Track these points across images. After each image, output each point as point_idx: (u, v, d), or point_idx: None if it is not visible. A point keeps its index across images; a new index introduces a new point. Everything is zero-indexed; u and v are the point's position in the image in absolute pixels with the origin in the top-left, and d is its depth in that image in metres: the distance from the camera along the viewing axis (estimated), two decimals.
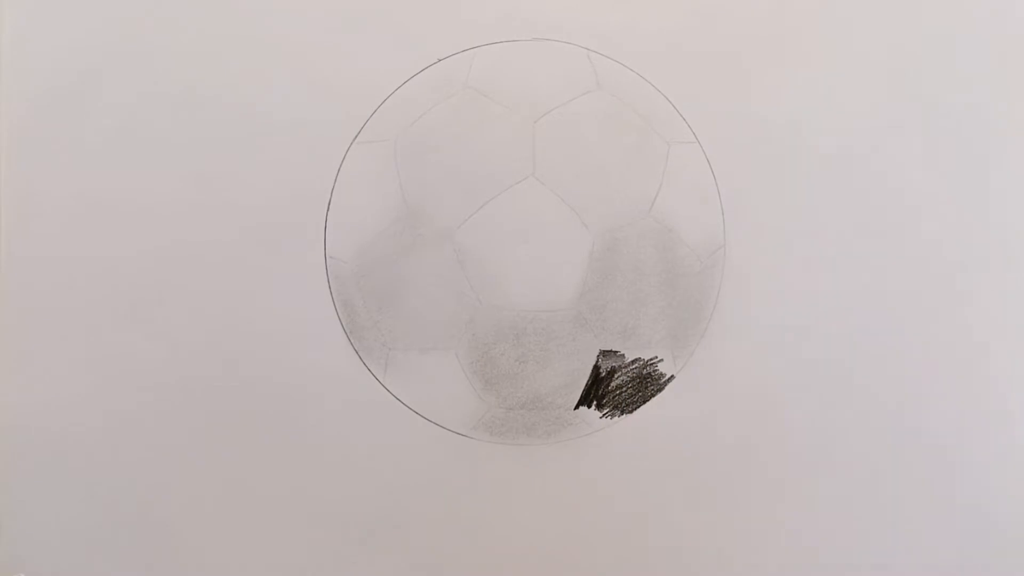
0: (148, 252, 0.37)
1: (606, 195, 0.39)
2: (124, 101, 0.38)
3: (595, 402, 0.38)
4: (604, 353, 0.39)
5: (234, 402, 0.37)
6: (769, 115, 0.41)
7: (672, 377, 0.39)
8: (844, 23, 0.42)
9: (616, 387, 0.39)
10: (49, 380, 0.37)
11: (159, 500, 0.37)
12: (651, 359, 0.39)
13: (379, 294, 0.38)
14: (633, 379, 0.39)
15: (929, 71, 0.42)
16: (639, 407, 0.39)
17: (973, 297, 0.42)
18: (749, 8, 0.41)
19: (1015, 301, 0.42)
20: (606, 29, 0.40)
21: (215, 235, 0.38)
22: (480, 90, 0.39)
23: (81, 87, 0.38)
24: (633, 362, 0.39)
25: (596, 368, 0.38)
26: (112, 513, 0.37)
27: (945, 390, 0.41)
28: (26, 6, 0.38)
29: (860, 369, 0.41)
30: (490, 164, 0.39)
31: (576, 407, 0.38)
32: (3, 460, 0.36)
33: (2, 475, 0.36)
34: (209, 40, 0.38)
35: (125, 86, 0.38)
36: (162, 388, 0.37)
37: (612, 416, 0.39)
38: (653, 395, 0.39)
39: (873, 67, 0.42)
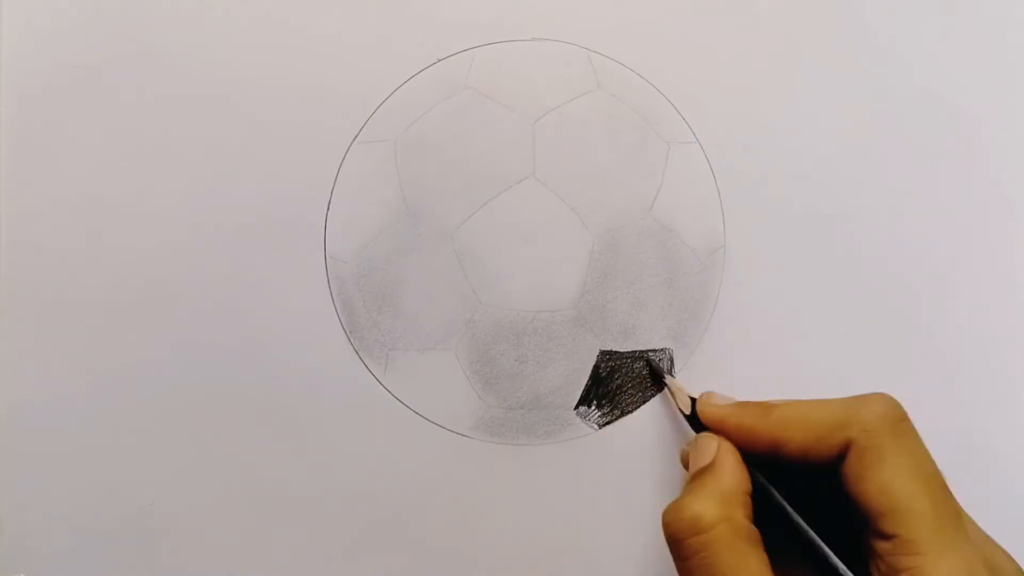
0: (147, 251, 0.37)
1: (606, 195, 0.39)
2: (123, 101, 0.38)
3: (595, 402, 0.38)
4: (604, 353, 0.39)
5: (234, 401, 0.37)
6: (769, 115, 0.41)
7: (672, 377, 0.39)
8: (847, 23, 0.42)
9: (616, 387, 0.39)
10: (49, 380, 0.37)
11: (159, 500, 0.37)
12: (655, 350, 0.39)
13: (379, 294, 0.38)
14: (633, 379, 0.39)
15: (933, 72, 0.42)
16: (639, 407, 0.39)
17: (975, 296, 0.42)
18: (750, 8, 0.41)
19: (1016, 298, 0.42)
20: (606, 29, 0.40)
21: (214, 234, 0.38)
22: (480, 90, 0.39)
23: (80, 87, 0.38)
24: (638, 358, 0.39)
25: (596, 368, 0.38)
26: (112, 512, 0.37)
27: (947, 390, 0.41)
28: (26, 5, 0.38)
29: (860, 369, 0.41)
30: (490, 164, 0.39)
31: (576, 407, 0.38)
32: (3, 460, 0.36)
33: (2, 475, 0.36)
34: (209, 40, 0.38)
35: (124, 86, 0.38)
36: (162, 388, 0.37)
37: (612, 416, 0.39)
38: (653, 395, 0.39)
39: (876, 67, 0.42)
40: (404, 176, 0.38)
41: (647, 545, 0.38)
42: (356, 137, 0.38)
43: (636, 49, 0.40)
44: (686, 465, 0.35)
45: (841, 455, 0.30)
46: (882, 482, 0.28)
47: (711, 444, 0.32)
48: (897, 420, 0.30)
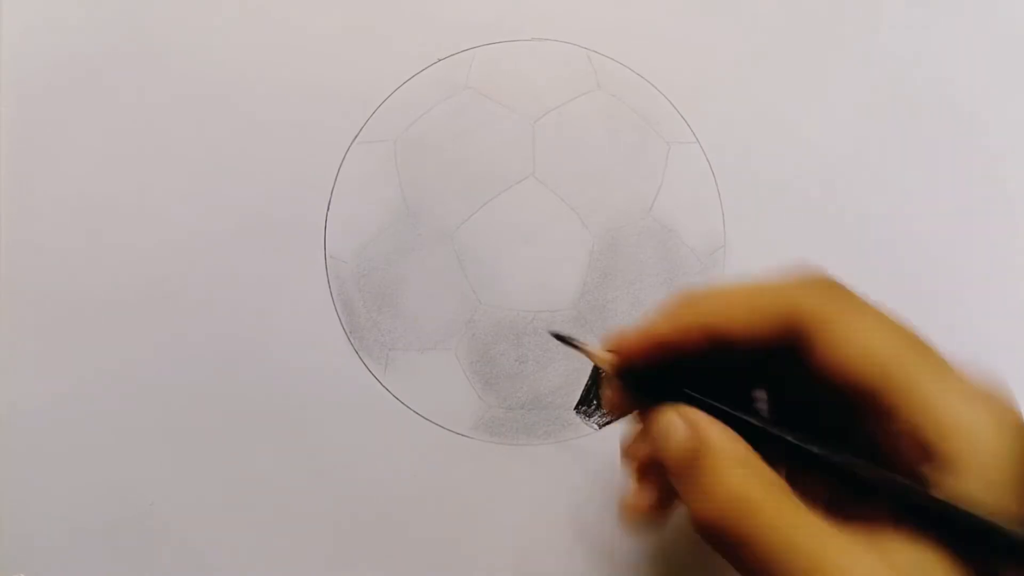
0: (147, 252, 0.37)
1: (606, 195, 0.39)
2: (123, 101, 0.38)
3: (595, 402, 0.38)
4: None
5: (234, 401, 0.37)
6: (769, 115, 0.41)
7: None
8: (847, 22, 0.42)
9: None
10: (49, 380, 0.37)
11: (159, 500, 0.37)
12: None
13: (379, 294, 0.38)
14: None
15: (935, 71, 0.42)
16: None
17: (976, 296, 0.42)
18: (751, 8, 0.41)
19: (1018, 299, 0.42)
20: (606, 29, 0.40)
21: (215, 234, 0.38)
22: (480, 90, 0.39)
23: (80, 87, 0.38)
24: None
25: (596, 368, 0.38)
26: (113, 512, 0.37)
27: None
28: (26, 5, 0.38)
29: None
30: (490, 164, 0.39)
31: (576, 407, 0.38)
32: (3, 460, 0.36)
33: (2, 475, 0.36)
34: (209, 40, 0.38)
35: (124, 85, 0.38)
36: (162, 388, 0.37)
37: (612, 416, 0.39)
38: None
39: (877, 67, 0.42)
40: (404, 176, 0.38)
41: (647, 544, 0.38)
42: (356, 137, 0.38)
43: (636, 49, 0.40)
44: (632, 460, 0.29)
45: (790, 339, 0.25)
46: (860, 346, 0.24)
47: (678, 427, 0.25)
48: (829, 281, 0.26)
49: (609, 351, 0.28)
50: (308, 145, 0.38)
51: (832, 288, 0.26)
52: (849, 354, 0.25)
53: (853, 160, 0.41)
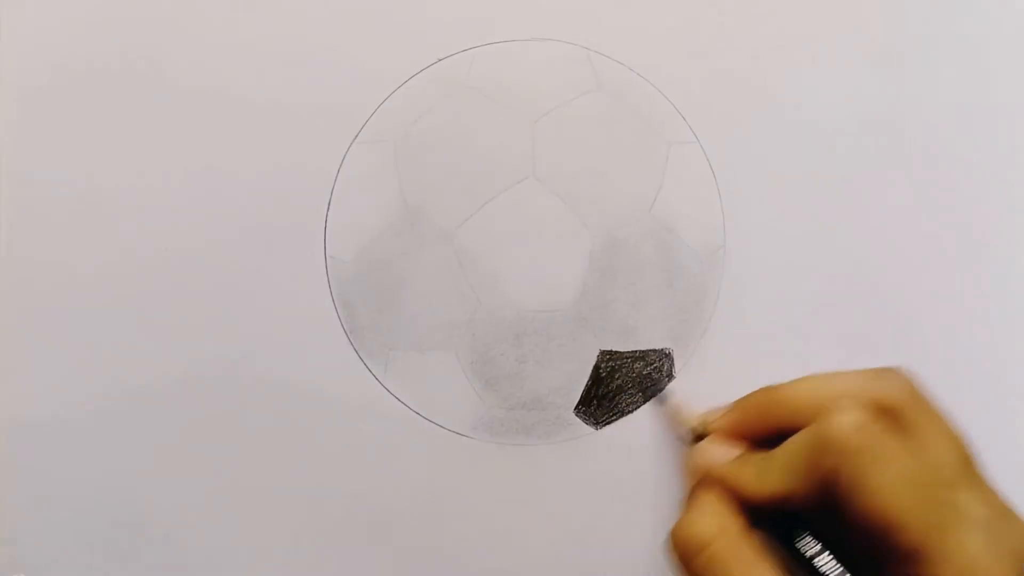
0: (147, 252, 0.37)
1: (606, 195, 0.39)
2: (123, 102, 0.38)
3: (595, 402, 0.38)
4: (604, 353, 0.39)
5: (234, 402, 0.37)
6: (770, 115, 0.41)
7: (672, 377, 0.39)
8: (848, 23, 0.42)
9: (616, 387, 0.39)
10: (48, 380, 0.37)
11: (159, 500, 0.37)
12: (658, 350, 0.39)
13: (379, 294, 0.38)
14: (633, 379, 0.39)
15: (937, 73, 0.42)
16: (639, 407, 0.39)
17: (976, 297, 0.42)
18: (750, 8, 0.41)
19: (1018, 299, 0.42)
20: (606, 29, 0.40)
21: (214, 235, 0.38)
22: (480, 90, 0.39)
23: (80, 87, 0.38)
24: (638, 358, 0.39)
25: (596, 368, 0.38)
26: (112, 513, 0.37)
27: (946, 390, 0.41)
28: (26, 6, 0.38)
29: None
30: (490, 164, 0.39)
31: (576, 407, 0.38)
32: (3, 460, 0.36)
33: (2, 475, 0.36)
34: (209, 40, 0.38)
35: (124, 87, 0.38)
36: (162, 388, 0.37)
37: (612, 416, 0.39)
38: (653, 395, 0.39)
39: (878, 68, 0.42)
40: (404, 176, 0.38)
41: (647, 545, 0.38)
42: (356, 137, 0.38)
43: (636, 49, 0.40)
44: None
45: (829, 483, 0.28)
46: (868, 506, 0.27)
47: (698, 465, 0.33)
48: (858, 429, 0.28)
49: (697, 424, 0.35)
50: (308, 145, 0.38)
51: (852, 437, 0.28)
52: (871, 505, 0.27)
53: (854, 160, 0.41)
